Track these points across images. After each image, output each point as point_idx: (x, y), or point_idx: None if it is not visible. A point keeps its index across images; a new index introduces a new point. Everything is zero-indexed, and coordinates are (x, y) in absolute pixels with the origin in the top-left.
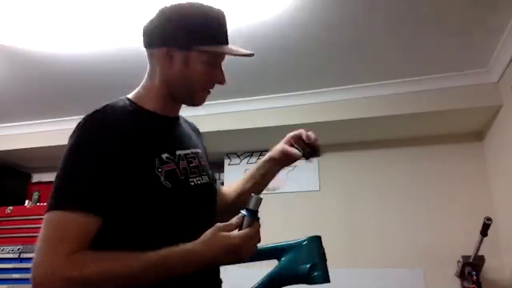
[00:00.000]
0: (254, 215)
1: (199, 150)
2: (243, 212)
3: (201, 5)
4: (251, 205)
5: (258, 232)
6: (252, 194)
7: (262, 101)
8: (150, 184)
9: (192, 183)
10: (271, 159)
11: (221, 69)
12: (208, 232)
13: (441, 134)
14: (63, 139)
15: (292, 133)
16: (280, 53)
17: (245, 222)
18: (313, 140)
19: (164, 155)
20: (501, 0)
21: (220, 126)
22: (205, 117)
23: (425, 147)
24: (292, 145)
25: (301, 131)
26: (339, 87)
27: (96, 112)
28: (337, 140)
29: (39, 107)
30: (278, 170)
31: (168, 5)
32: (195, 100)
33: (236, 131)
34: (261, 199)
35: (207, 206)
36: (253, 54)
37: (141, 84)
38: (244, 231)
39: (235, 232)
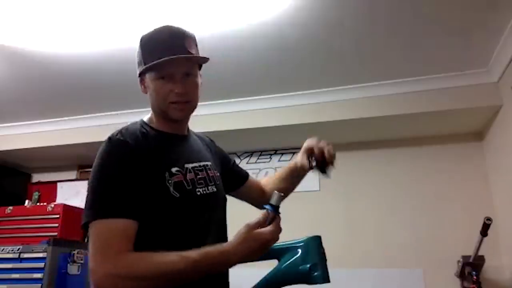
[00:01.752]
0: (277, 211)
1: (208, 163)
2: (267, 207)
3: (153, 30)
4: (274, 201)
5: (280, 226)
6: (275, 191)
7: (262, 101)
8: (162, 194)
9: (199, 193)
10: (295, 167)
11: (176, 80)
12: (241, 232)
13: (441, 134)
14: (63, 139)
15: (315, 143)
16: (280, 53)
17: (269, 217)
18: (326, 156)
19: (174, 169)
20: (501, 0)
21: (220, 126)
22: (205, 117)
23: (425, 147)
24: (310, 154)
25: (322, 146)
26: (339, 87)
27: (113, 135)
28: (337, 140)
29: (39, 107)
30: (303, 176)
31: None
32: (170, 115)
33: (236, 131)
34: (283, 195)
35: (213, 212)
36: (204, 58)
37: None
38: (272, 227)
39: (265, 229)
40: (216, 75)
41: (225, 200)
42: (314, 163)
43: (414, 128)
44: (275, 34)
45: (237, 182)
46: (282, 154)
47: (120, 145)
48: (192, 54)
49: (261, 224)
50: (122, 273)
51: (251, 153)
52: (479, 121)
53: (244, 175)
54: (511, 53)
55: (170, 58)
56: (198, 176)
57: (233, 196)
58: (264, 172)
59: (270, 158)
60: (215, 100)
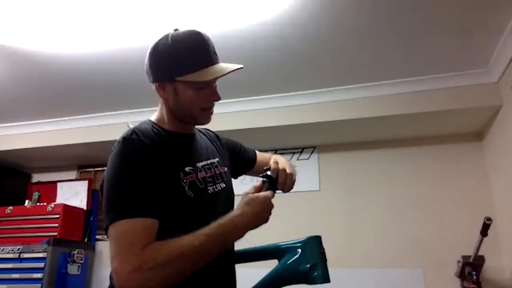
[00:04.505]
0: (272, 184)
1: (215, 160)
2: (263, 179)
3: (178, 34)
4: (271, 173)
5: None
6: (272, 166)
7: (262, 101)
8: (177, 193)
9: (209, 191)
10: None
11: (212, 87)
12: (242, 199)
13: (441, 134)
14: (63, 139)
15: (279, 166)
16: (280, 53)
17: (264, 188)
18: (279, 180)
19: (187, 168)
20: (501, 0)
21: (220, 126)
22: None
23: (425, 147)
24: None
25: (282, 169)
26: (339, 87)
27: (128, 135)
28: (337, 140)
29: (39, 107)
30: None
31: (153, 41)
32: (198, 121)
33: (236, 131)
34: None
35: (223, 209)
36: (240, 67)
37: (158, 108)
38: (266, 192)
39: (261, 193)
40: None
41: (233, 195)
42: (265, 173)
43: (414, 128)
44: (275, 34)
45: (247, 167)
46: (282, 154)
47: (136, 145)
48: (227, 64)
49: (257, 189)
50: (149, 265)
51: None
52: (479, 121)
53: (252, 159)
54: (511, 53)
55: (225, 73)
56: (207, 174)
57: (245, 174)
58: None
59: None
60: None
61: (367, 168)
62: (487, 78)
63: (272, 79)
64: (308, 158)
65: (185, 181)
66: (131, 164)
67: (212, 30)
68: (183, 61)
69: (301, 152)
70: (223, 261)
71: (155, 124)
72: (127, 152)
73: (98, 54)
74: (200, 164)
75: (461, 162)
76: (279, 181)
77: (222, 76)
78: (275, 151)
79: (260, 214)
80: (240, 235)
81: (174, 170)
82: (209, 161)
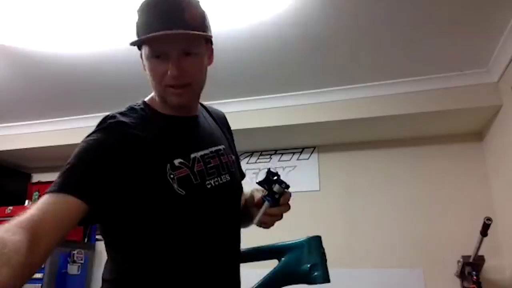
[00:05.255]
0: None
1: (221, 147)
2: (267, 197)
3: None
4: (277, 189)
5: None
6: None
7: (262, 101)
8: (163, 190)
9: (209, 186)
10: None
11: (173, 60)
12: None
13: (441, 134)
14: (63, 139)
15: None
16: (280, 53)
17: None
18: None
19: (177, 161)
20: (501, 0)
21: None
22: None
23: (425, 147)
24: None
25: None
26: (339, 87)
27: (106, 117)
28: (337, 140)
29: (39, 107)
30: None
31: None
32: (167, 99)
33: (236, 131)
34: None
35: (226, 205)
36: (185, 34)
37: None
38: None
39: None
40: (216, 75)
41: (241, 188)
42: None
43: (414, 128)
44: (275, 34)
45: None
46: (282, 154)
47: (111, 132)
48: (190, 29)
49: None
50: None
51: (251, 153)
52: (479, 121)
53: (242, 178)
54: (511, 53)
55: (160, 33)
56: (209, 165)
57: None
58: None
59: (270, 158)
60: (215, 100)
61: (367, 168)
62: (487, 78)
63: (272, 79)
64: (308, 158)
65: (172, 176)
66: (94, 150)
67: (212, 30)
68: (140, 23)
69: (301, 152)
70: (227, 260)
71: (147, 105)
72: (97, 137)
73: (98, 54)
74: (198, 154)
75: (461, 162)
76: (281, 202)
77: (157, 36)
78: (275, 151)
79: None
80: None
81: (158, 162)
82: (213, 149)
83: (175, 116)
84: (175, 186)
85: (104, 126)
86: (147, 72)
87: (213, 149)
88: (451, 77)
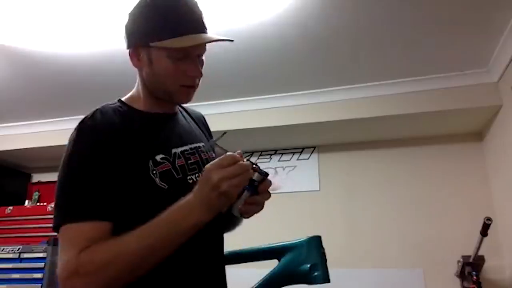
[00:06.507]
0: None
1: (200, 144)
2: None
3: None
4: (256, 177)
5: (237, 169)
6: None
7: (262, 101)
8: (146, 186)
9: (191, 181)
10: None
11: (195, 60)
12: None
13: (441, 134)
14: (63, 139)
15: None
16: (280, 53)
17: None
18: None
19: (158, 157)
20: (501, 0)
21: (219, 126)
22: (205, 117)
23: (425, 147)
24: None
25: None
26: (338, 87)
27: (86, 119)
28: (337, 140)
29: (39, 107)
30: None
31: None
32: (175, 98)
33: (236, 131)
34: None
35: None
36: (229, 40)
37: (135, 85)
38: (219, 160)
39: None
40: (216, 75)
41: None
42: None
43: (414, 128)
44: (275, 34)
45: None
46: (282, 154)
47: (91, 133)
48: (213, 34)
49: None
50: (87, 269)
51: (251, 153)
52: (479, 121)
53: None
54: (511, 53)
55: (207, 39)
56: (189, 161)
57: None
58: None
59: (270, 158)
60: (215, 100)
61: (367, 168)
62: (487, 78)
63: (271, 79)
64: (308, 158)
65: (154, 172)
66: (82, 158)
67: (212, 30)
68: (159, 23)
69: (301, 152)
70: (208, 261)
71: (123, 103)
72: (79, 142)
73: (98, 54)
74: (179, 150)
75: (461, 162)
76: (260, 189)
77: (201, 44)
78: (275, 151)
79: (208, 192)
80: (191, 220)
81: (141, 159)
82: (192, 145)
83: (155, 113)
84: (157, 180)
85: (86, 131)
86: (157, 71)
87: (193, 145)
88: (451, 77)
